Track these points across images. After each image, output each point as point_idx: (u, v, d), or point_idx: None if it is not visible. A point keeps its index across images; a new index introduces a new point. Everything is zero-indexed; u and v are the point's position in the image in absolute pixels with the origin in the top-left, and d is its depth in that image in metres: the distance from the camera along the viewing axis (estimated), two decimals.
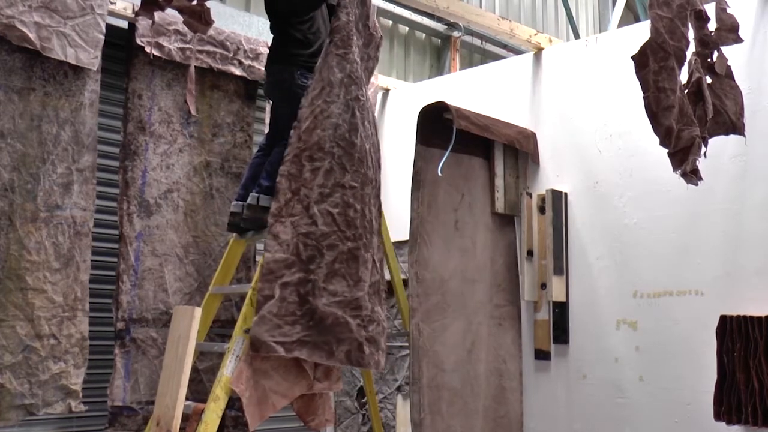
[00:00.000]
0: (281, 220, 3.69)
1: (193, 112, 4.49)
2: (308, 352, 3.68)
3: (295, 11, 4.18)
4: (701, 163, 3.58)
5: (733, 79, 3.82)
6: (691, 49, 3.66)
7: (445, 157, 4.29)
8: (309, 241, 3.72)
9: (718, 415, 3.81)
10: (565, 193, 4.65)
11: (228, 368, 3.61)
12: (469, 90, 5.23)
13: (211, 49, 4.70)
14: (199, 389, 4.41)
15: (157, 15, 4.18)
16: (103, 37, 4.08)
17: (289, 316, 3.65)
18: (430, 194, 4.39)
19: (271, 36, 4.39)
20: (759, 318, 3.74)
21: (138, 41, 4.35)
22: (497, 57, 7.18)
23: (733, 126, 3.79)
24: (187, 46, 4.53)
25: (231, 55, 4.79)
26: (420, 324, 4.21)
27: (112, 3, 4.25)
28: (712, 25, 3.77)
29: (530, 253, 4.65)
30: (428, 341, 4.23)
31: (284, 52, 4.26)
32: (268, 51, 4.46)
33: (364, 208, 3.89)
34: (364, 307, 3.81)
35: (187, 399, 3.66)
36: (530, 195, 4.72)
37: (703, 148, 3.59)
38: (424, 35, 7.05)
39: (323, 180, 3.78)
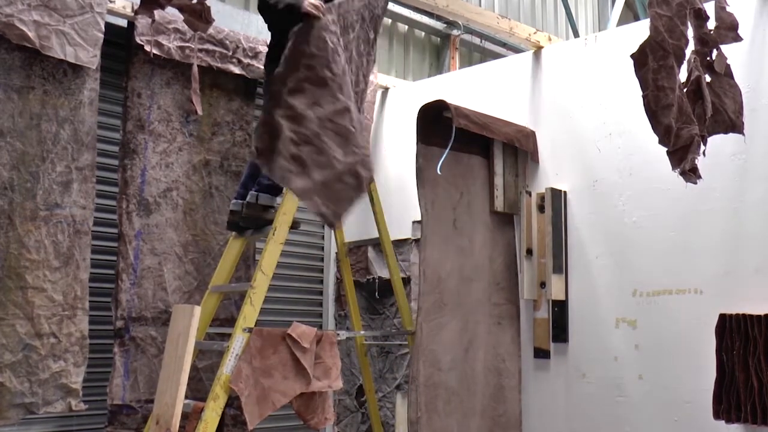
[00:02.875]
0: None
1: (200, 112, 4.47)
2: None
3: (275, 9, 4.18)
4: (700, 162, 3.58)
5: (733, 78, 3.82)
6: (691, 47, 3.65)
7: (444, 156, 4.29)
8: None
9: (718, 414, 3.81)
10: (565, 192, 4.65)
11: (227, 367, 3.62)
12: (468, 88, 5.22)
13: (211, 47, 4.69)
14: (199, 388, 4.42)
15: (156, 13, 4.18)
16: (102, 36, 4.08)
17: None
18: (431, 193, 4.39)
19: (270, 35, 4.38)
20: (758, 316, 3.73)
21: (137, 40, 4.34)
22: (497, 55, 7.18)
23: (733, 124, 3.79)
24: (187, 44, 4.53)
25: (230, 53, 4.79)
26: (422, 323, 4.21)
27: (111, 1, 4.24)
28: (711, 24, 3.77)
29: (529, 251, 4.65)
30: (425, 340, 4.23)
31: (282, 52, 4.24)
32: (266, 49, 4.46)
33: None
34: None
35: (186, 397, 3.66)
36: (530, 193, 4.72)
37: (703, 147, 3.59)
38: (423, 34, 7.04)
39: None
